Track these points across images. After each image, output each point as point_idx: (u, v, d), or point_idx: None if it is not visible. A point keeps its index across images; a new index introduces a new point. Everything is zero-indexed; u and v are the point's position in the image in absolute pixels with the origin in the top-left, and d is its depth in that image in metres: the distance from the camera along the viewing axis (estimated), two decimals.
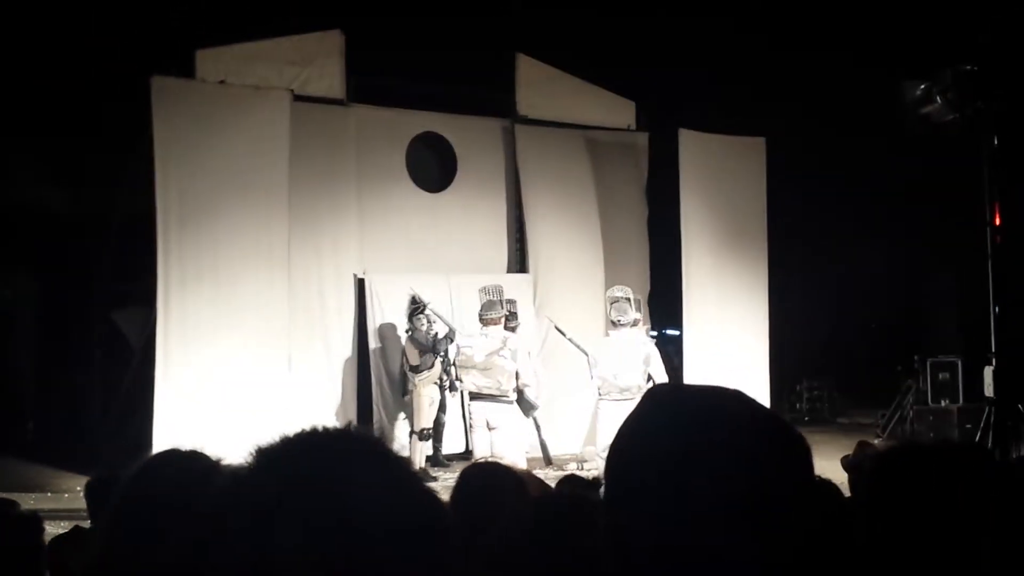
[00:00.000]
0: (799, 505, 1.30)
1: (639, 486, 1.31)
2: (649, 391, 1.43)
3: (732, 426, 1.31)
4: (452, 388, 11.88)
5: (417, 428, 11.85)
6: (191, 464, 2.16)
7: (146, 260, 11.24)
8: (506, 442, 10.35)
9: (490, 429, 10.46)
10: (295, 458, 1.17)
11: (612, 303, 10.92)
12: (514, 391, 10.52)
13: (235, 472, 1.18)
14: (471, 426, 10.69)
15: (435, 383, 12.00)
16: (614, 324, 10.72)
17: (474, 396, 10.63)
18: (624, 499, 1.33)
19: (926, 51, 13.15)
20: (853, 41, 14.94)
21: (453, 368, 11.43)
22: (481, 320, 10.83)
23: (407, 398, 12.14)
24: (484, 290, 11.35)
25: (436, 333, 12.10)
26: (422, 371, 11.96)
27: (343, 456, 1.18)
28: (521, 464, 10.04)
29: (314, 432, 1.20)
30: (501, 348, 10.50)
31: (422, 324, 12.07)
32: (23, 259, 14.53)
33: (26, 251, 14.38)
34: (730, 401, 1.36)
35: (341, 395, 12.78)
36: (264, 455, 1.17)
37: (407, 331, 12.24)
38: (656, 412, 1.36)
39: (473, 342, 10.75)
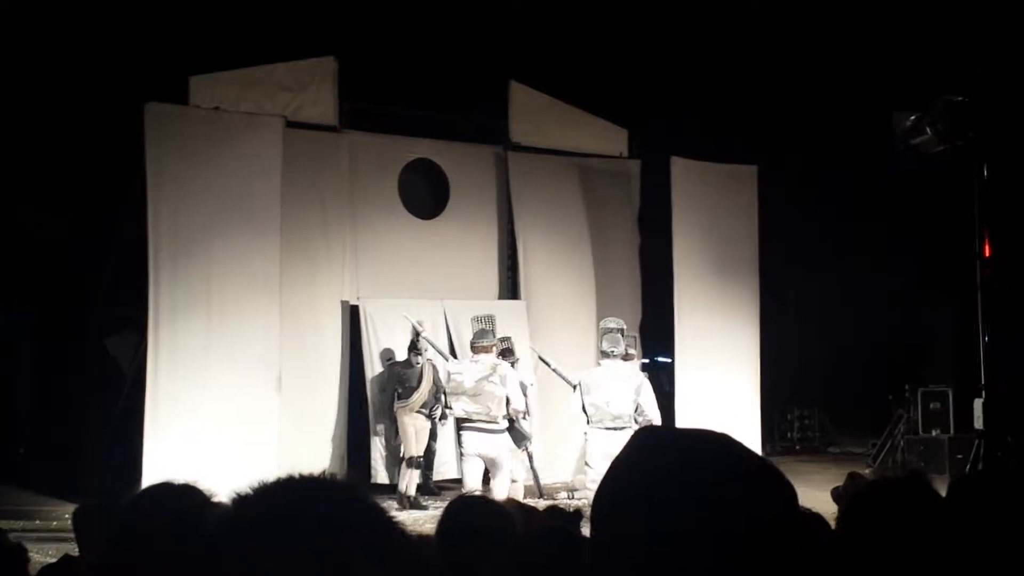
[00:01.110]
0: (782, 547, 1.33)
1: (625, 527, 1.33)
2: (636, 434, 1.45)
3: (718, 470, 1.34)
4: (443, 417, 11.82)
5: (407, 456, 11.82)
6: (184, 499, 2.17)
7: (140, 286, 11.24)
8: (499, 473, 10.33)
9: (483, 460, 10.43)
10: (273, 505, 1.20)
11: (604, 334, 10.91)
12: (504, 418, 10.50)
13: (219, 517, 1.21)
14: (462, 455, 10.64)
15: (418, 412, 11.95)
16: (605, 354, 10.71)
17: (463, 422, 10.58)
18: (610, 539, 1.36)
19: (917, 82, 13.24)
20: (845, 71, 15.04)
21: (443, 395, 11.40)
22: (472, 348, 10.83)
23: (395, 426, 12.14)
24: (476, 319, 11.39)
25: (422, 364, 12.06)
26: (402, 399, 11.95)
27: (319, 502, 1.21)
28: (516, 495, 10.04)
29: (291, 479, 1.23)
30: (491, 374, 10.49)
31: (417, 361, 12.00)
32: (17, 284, 14.50)
33: (20, 276, 14.35)
34: (716, 445, 1.39)
35: (334, 424, 12.71)
36: (243, 503, 1.20)
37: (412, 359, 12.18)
38: (643, 456, 1.39)
39: (464, 368, 10.74)
